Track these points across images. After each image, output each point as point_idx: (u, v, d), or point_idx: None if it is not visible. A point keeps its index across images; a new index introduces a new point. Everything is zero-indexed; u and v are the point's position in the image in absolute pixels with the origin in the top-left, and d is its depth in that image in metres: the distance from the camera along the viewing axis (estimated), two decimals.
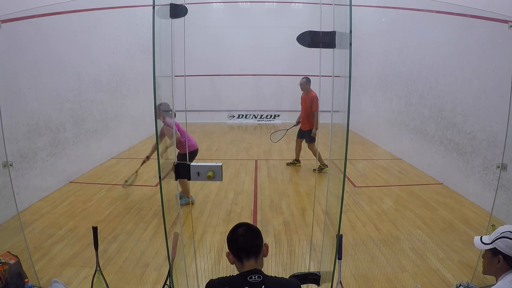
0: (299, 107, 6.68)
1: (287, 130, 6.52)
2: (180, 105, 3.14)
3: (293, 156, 6.91)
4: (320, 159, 6.23)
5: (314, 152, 6.41)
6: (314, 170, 6.42)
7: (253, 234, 1.67)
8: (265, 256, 1.70)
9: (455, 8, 4.77)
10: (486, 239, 1.75)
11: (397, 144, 7.53)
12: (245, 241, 1.64)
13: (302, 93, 6.49)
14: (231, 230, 1.70)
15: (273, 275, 1.64)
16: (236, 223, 1.75)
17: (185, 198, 4.69)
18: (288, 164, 6.82)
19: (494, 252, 1.69)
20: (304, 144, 6.63)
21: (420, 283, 3.01)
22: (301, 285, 1.80)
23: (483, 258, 1.79)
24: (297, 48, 2.34)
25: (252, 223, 1.77)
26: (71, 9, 4.98)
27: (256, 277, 1.55)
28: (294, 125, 6.65)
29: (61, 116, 5.35)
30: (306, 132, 6.40)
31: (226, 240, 1.69)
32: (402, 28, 7.29)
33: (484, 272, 1.79)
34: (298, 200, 5.01)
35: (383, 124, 8.32)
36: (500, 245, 1.66)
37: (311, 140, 6.36)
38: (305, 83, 6.31)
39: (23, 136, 4.48)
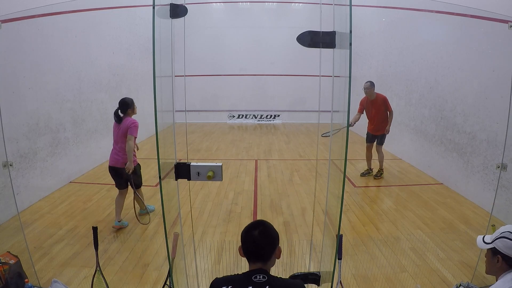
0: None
1: (339, 130, 5.64)
2: (180, 105, 3.14)
3: (293, 156, 6.90)
4: (381, 164, 6.08)
5: (381, 156, 6.10)
6: (375, 176, 6.10)
7: (266, 240, 1.61)
8: (278, 258, 1.67)
9: (455, 8, 4.77)
10: (488, 238, 1.75)
11: (397, 144, 7.53)
12: (255, 248, 1.60)
13: (366, 97, 5.95)
14: (247, 227, 1.66)
15: (274, 275, 1.63)
16: (255, 220, 1.71)
17: (147, 208, 4.30)
18: (362, 174, 6.26)
19: (494, 252, 1.69)
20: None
21: (420, 283, 3.01)
22: None
23: (486, 257, 1.79)
24: (297, 48, 2.34)
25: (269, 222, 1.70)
26: (71, 9, 4.98)
27: (261, 277, 1.54)
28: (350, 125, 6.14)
29: (61, 116, 5.35)
30: (380, 136, 6.00)
31: (240, 233, 1.66)
32: (402, 28, 7.29)
33: (487, 272, 1.79)
34: (298, 200, 5.01)
35: None
36: (499, 245, 1.67)
37: (382, 142, 6.06)
38: (369, 87, 5.82)
39: (23, 136, 4.48)
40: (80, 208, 4.59)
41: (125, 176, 3.98)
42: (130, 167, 3.90)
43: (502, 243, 1.66)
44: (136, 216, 4.06)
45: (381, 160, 6.08)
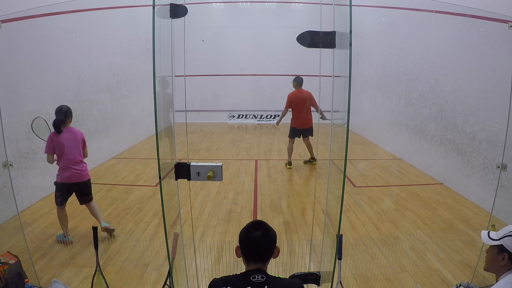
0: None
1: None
2: (180, 105, 3.14)
3: (294, 156, 6.91)
4: (312, 153, 6.84)
5: (311, 146, 6.80)
6: (306, 162, 6.94)
7: (268, 241, 1.62)
8: (275, 258, 1.68)
9: (455, 8, 4.77)
10: (493, 235, 1.73)
11: (397, 144, 7.53)
12: (258, 250, 1.60)
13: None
14: (247, 228, 1.66)
15: (273, 275, 1.64)
16: (254, 221, 1.71)
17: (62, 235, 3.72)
18: (305, 162, 6.99)
19: (500, 249, 1.68)
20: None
21: (420, 283, 3.01)
22: None
23: (486, 253, 1.78)
24: (297, 48, 2.34)
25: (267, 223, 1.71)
26: (71, 9, 4.98)
27: (259, 277, 1.54)
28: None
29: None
30: (310, 129, 6.72)
31: (239, 234, 1.65)
32: (402, 28, 7.29)
33: (486, 269, 1.78)
34: (298, 200, 5.01)
35: (383, 124, 8.33)
36: (508, 243, 1.65)
37: (312, 134, 6.77)
38: (292, 83, 6.64)
39: (23, 136, 4.48)
40: (80, 208, 4.56)
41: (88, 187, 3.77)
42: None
43: (511, 241, 1.64)
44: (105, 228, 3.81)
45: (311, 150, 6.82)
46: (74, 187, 3.74)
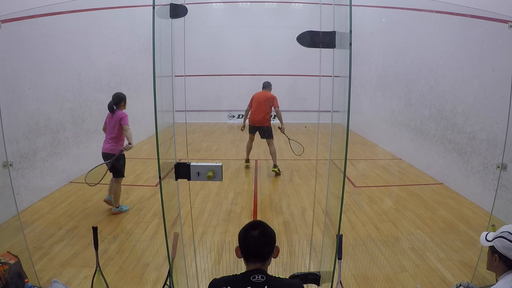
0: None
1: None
2: (180, 105, 3.14)
3: (293, 156, 6.89)
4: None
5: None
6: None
7: (266, 240, 1.62)
8: (275, 258, 1.68)
9: (455, 8, 4.77)
10: (490, 236, 1.75)
11: (397, 144, 7.53)
12: (255, 248, 1.61)
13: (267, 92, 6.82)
14: (245, 228, 1.67)
15: (273, 275, 1.63)
16: (252, 221, 1.72)
17: (120, 207, 4.50)
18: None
19: (493, 250, 1.70)
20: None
21: (420, 283, 3.01)
22: None
23: (487, 254, 1.79)
24: (297, 48, 2.34)
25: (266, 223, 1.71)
26: (71, 9, 4.98)
27: (259, 277, 1.54)
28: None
29: (61, 116, 5.35)
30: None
31: (238, 234, 1.66)
32: (402, 28, 7.29)
33: (487, 268, 1.80)
34: (298, 200, 5.01)
35: (383, 124, 8.33)
36: (497, 244, 1.67)
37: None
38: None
39: (23, 136, 4.48)
40: (80, 208, 4.58)
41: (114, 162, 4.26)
42: (128, 147, 4.29)
43: (500, 242, 1.66)
44: (106, 200, 4.42)
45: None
46: (105, 155, 4.30)
